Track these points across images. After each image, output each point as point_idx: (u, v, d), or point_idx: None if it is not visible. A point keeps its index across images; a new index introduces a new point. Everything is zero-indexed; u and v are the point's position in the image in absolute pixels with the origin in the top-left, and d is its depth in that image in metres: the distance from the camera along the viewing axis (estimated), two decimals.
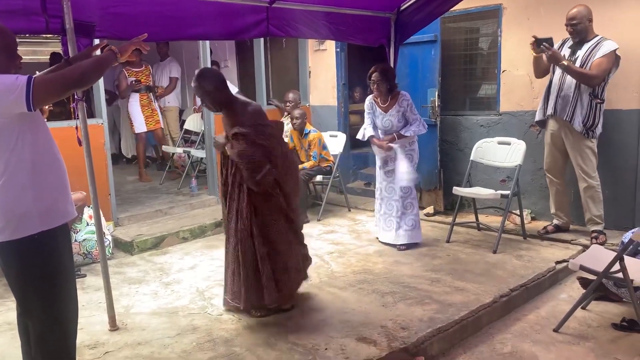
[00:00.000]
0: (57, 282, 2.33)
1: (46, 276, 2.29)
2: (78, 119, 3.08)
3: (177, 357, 2.98)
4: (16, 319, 2.51)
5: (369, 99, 4.76)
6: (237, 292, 3.38)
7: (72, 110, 7.37)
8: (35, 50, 10.73)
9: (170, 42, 7.58)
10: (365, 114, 4.81)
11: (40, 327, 2.34)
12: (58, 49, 8.84)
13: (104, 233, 4.61)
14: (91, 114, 5.79)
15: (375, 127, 4.76)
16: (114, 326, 3.33)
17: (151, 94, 6.94)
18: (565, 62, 4.31)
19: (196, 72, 3.32)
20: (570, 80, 4.43)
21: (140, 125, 6.85)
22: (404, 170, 4.57)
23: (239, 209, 3.32)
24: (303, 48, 7.05)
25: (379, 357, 2.92)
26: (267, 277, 3.31)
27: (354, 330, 3.23)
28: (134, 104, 6.86)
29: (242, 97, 3.52)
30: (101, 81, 5.05)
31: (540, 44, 4.33)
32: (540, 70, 4.66)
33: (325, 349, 3.01)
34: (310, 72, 7.09)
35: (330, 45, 6.78)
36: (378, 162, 4.82)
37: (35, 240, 2.22)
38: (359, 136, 4.88)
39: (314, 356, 2.94)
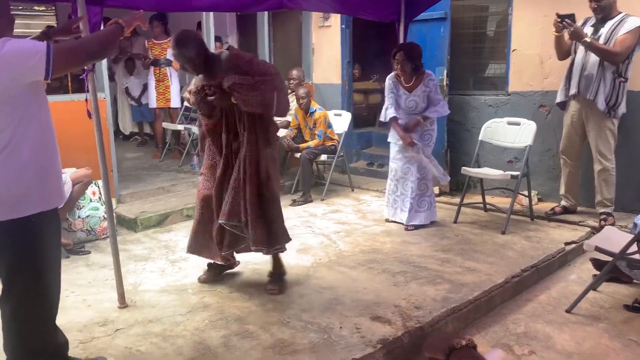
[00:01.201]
0: (45, 267, 2.21)
1: (35, 260, 2.15)
2: (88, 91, 2.97)
3: (190, 334, 2.93)
4: None
5: (390, 77, 4.62)
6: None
7: (69, 84, 7.30)
8: (29, 24, 10.48)
9: (170, 16, 7.40)
10: (387, 92, 4.64)
11: (22, 312, 2.21)
12: (52, 22, 8.67)
13: None
14: (81, 88, 5.64)
15: (397, 108, 4.61)
16: (123, 303, 3.27)
17: (168, 69, 6.78)
18: (588, 39, 4.23)
19: (174, 37, 3.11)
20: (593, 59, 4.35)
21: (151, 101, 6.74)
22: (436, 174, 4.60)
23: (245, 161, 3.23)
24: (307, 24, 6.92)
25: (395, 336, 2.89)
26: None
27: (368, 309, 3.19)
28: (150, 78, 6.75)
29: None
30: None
31: (562, 20, 4.24)
32: (563, 51, 4.57)
33: (340, 327, 2.97)
34: (313, 49, 6.96)
35: (335, 22, 6.66)
36: (394, 139, 4.69)
37: (31, 222, 2.08)
38: (381, 118, 4.74)
39: (329, 335, 2.90)
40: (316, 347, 2.79)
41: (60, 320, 3.05)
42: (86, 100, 2.98)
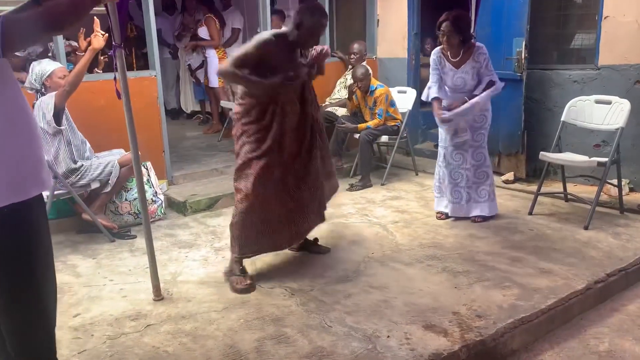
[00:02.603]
0: (33, 264, 1.86)
1: (19, 258, 1.82)
2: (117, 70, 2.74)
3: (223, 335, 2.69)
4: None
5: (435, 52, 4.09)
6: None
7: (133, 61, 7.27)
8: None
9: None
10: (431, 70, 4.12)
11: (15, 317, 1.89)
12: None
13: (157, 192, 4.41)
14: (146, 65, 5.52)
15: (441, 87, 4.10)
16: (158, 296, 3.09)
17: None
18: None
19: (314, 5, 3.13)
20: None
21: (214, 80, 6.69)
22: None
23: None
24: None
25: (451, 350, 2.50)
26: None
27: (421, 315, 2.82)
28: (213, 57, 6.69)
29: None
30: (154, 30, 4.71)
31: None
32: None
33: (388, 336, 2.63)
34: (378, 20, 6.47)
35: None
36: (441, 129, 4.20)
37: (4, 215, 1.75)
38: (424, 97, 4.26)
39: (374, 345, 2.56)
40: (358, 359, 2.46)
41: (93, 312, 2.97)
42: (115, 79, 2.74)
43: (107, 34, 3.54)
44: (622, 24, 4.49)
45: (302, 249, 3.65)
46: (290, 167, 3.20)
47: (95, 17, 3.46)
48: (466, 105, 3.95)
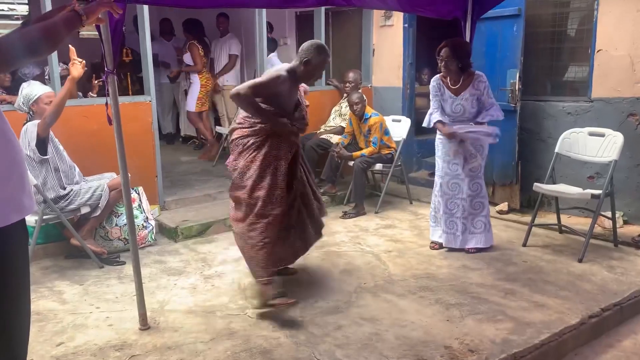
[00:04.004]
0: (6, 294, 1.69)
1: None
2: (108, 95, 2.73)
3: None
4: None
5: (435, 79, 4.12)
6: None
7: (128, 85, 7.30)
8: None
9: (230, 18, 7.25)
10: (432, 96, 4.15)
11: None
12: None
13: (148, 218, 4.36)
14: (141, 90, 5.53)
15: (443, 113, 4.12)
16: (144, 325, 3.02)
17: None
18: None
19: (320, 44, 3.30)
20: None
21: (192, 104, 6.88)
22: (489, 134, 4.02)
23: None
24: (367, 24, 6.50)
25: None
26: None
27: (413, 349, 2.76)
28: (196, 82, 6.88)
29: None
30: (149, 55, 4.73)
31: None
32: None
33: None
34: (374, 50, 6.54)
35: (398, 21, 6.21)
36: (439, 152, 4.19)
37: None
38: (425, 123, 4.26)
39: None
40: None
41: (77, 341, 2.89)
42: (106, 104, 2.73)
43: (84, 62, 3.56)
44: (615, 58, 4.53)
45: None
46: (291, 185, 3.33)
47: (70, 45, 3.47)
48: (475, 127, 3.98)
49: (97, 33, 2.64)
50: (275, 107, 3.22)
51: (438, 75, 4.12)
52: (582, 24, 4.90)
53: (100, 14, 2.11)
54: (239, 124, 3.29)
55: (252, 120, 3.22)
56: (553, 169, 4.33)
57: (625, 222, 4.63)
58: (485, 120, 3.96)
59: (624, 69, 4.49)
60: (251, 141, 3.20)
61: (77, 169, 4.00)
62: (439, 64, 4.01)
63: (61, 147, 3.89)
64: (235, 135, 3.28)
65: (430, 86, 4.16)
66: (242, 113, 3.31)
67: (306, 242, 3.49)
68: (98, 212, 3.97)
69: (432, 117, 4.13)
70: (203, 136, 7.47)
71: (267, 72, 3.32)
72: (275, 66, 3.37)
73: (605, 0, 4.54)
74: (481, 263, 3.92)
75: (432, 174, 6.24)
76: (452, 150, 4.07)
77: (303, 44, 3.32)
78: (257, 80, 3.22)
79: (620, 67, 4.51)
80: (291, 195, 3.30)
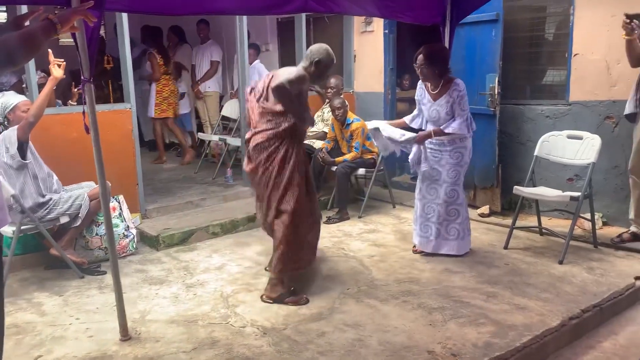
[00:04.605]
0: None
1: None
2: (85, 103, 2.70)
3: None
4: None
5: (420, 83, 4.16)
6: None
7: (110, 93, 7.23)
8: None
9: (211, 24, 7.24)
10: (416, 100, 4.24)
11: None
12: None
13: (129, 226, 4.32)
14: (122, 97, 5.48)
15: (418, 117, 4.21)
16: (125, 335, 2.98)
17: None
18: None
19: (327, 47, 3.39)
20: None
21: (151, 110, 7.05)
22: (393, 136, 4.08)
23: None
24: (348, 30, 6.52)
25: None
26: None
27: (396, 354, 2.76)
28: (153, 90, 6.95)
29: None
30: (129, 63, 4.69)
31: (632, 21, 3.67)
32: (636, 57, 3.95)
33: None
34: (355, 55, 6.57)
35: (378, 27, 6.24)
36: (412, 157, 4.20)
37: None
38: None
39: None
40: None
41: (56, 353, 2.84)
42: (83, 113, 2.69)
43: (64, 62, 3.54)
44: (591, 62, 4.60)
45: None
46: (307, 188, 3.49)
47: (49, 50, 3.45)
48: (423, 133, 4.06)
49: (72, 40, 2.60)
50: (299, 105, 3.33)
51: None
52: (559, 29, 4.97)
53: (75, 22, 2.10)
54: (262, 130, 3.34)
55: (276, 122, 3.30)
56: (533, 172, 4.37)
57: (605, 224, 4.69)
58: (447, 130, 3.91)
59: (600, 73, 4.56)
60: (277, 144, 3.31)
61: (56, 177, 3.95)
62: (417, 71, 4.03)
63: (38, 155, 3.84)
64: (259, 139, 3.34)
65: (416, 90, 4.23)
66: (261, 121, 3.36)
67: (317, 241, 3.66)
68: (78, 222, 3.92)
69: (405, 117, 4.32)
70: (156, 141, 7.43)
71: (284, 71, 3.35)
72: (284, 69, 3.44)
73: (581, 5, 4.61)
74: (463, 266, 3.94)
75: (415, 178, 6.29)
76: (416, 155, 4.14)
77: (311, 47, 3.44)
78: (291, 76, 3.25)
79: (596, 71, 4.58)
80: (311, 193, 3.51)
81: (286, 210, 3.33)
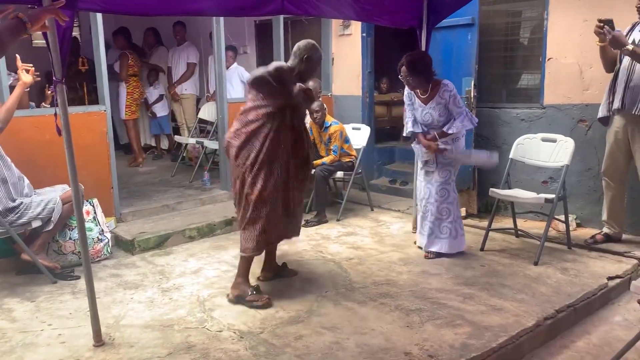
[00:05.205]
0: None
1: None
2: (57, 105, 2.64)
3: None
4: None
5: (407, 88, 4.21)
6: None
7: (85, 95, 7.12)
8: None
9: (188, 26, 7.19)
10: (405, 106, 4.27)
11: None
12: None
13: (103, 230, 4.25)
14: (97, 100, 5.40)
15: (416, 121, 4.20)
16: (99, 341, 2.92)
17: None
18: (630, 47, 3.71)
19: (315, 44, 3.40)
20: None
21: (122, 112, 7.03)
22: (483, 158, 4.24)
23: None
24: (326, 33, 6.54)
25: None
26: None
27: (373, 357, 2.75)
28: (122, 90, 6.93)
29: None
30: (104, 65, 4.63)
31: (604, 26, 3.75)
32: (609, 62, 4.04)
33: None
34: (333, 59, 6.58)
35: (356, 30, 6.27)
36: (417, 157, 4.31)
37: None
38: (404, 133, 4.40)
39: None
40: None
41: None
42: (55, 115, 2.64)
43: (33, 67, 3.50)
44: (565, 66, 4.68)
45: (276, 276, 3.79)
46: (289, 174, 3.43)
47: (16, 55, 3.44)
48: (474, 152, 4.28)
49: (44, 41, 2.55)
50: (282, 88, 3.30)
51: None
52: (533, 33, 5.05)
53: (46, 21, 2.06)
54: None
55: (256, 113, 3.27)
56: (508, 175, 4.42)
57: (579, 225, 4.77)
58: (450, 132, 4.00)
59: (574, 77, 4.64)
60: (259, 127, 3.27)
61: (27, 181, 3.86)
62: (404, 82, 4.07)
63: (8, 159, 3.75)
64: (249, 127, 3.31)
65: (404, 95, 4.26)
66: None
67: (295, 227, 3.64)
68: (50, 226, 3.84)
69: (407, 126, 4.28)
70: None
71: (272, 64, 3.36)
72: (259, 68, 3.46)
73: (555, 10, 4.69)
74: (440, 268, 3.96)
75: (393, 181, 6.34)
76: (425, 154, 4.17)
77: (297, 44, 3.40)
78: (269, 67, 3.26)
79: (570, 75, 4.66)
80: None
81: (253, 191, 3.30)
